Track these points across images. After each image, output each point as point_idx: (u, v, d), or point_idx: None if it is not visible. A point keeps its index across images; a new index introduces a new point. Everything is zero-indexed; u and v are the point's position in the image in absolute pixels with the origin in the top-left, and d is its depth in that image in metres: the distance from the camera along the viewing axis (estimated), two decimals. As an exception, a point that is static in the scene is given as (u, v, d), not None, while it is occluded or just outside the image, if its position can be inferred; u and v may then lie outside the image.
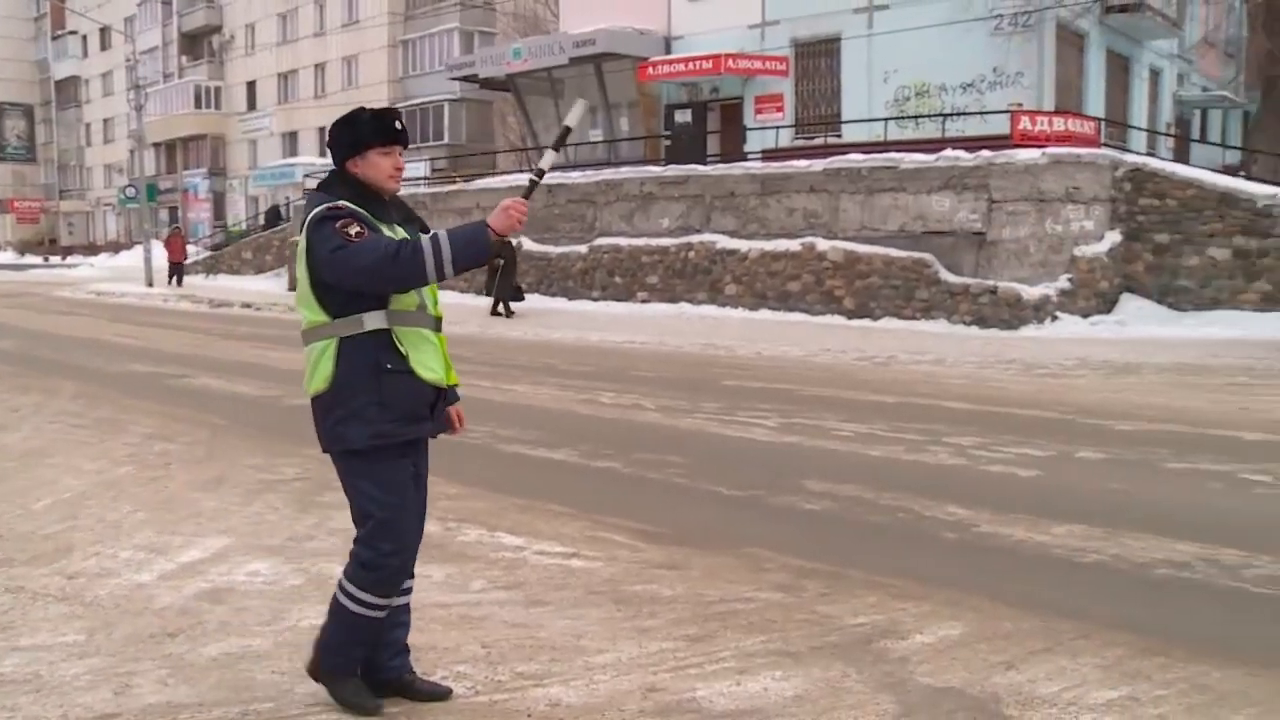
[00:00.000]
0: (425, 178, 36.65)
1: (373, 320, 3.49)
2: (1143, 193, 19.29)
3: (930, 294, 18.88)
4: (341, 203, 3.49)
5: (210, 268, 39.24)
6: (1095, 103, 25.73)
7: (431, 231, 3.56)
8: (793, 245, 20.45)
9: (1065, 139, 20.45)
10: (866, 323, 19.23)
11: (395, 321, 3.52)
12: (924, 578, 5.28)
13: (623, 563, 5.55)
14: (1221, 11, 33.82)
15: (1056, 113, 22.37)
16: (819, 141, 25.75)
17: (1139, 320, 18.18)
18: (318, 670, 3.75)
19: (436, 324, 3.66)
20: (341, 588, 3.65)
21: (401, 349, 3.51)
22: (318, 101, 51.21)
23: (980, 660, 4.23)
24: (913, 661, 4.22)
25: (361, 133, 3.55)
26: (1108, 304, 18.91)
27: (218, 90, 58.66)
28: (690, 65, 27.72)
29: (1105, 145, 21.71)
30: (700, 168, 23.38)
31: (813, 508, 6.77)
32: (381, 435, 3.52)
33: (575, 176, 25.86)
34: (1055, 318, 18.00)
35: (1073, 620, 4.67)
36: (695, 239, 22.19)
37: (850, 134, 25.30)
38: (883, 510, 6.65)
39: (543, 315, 21.80)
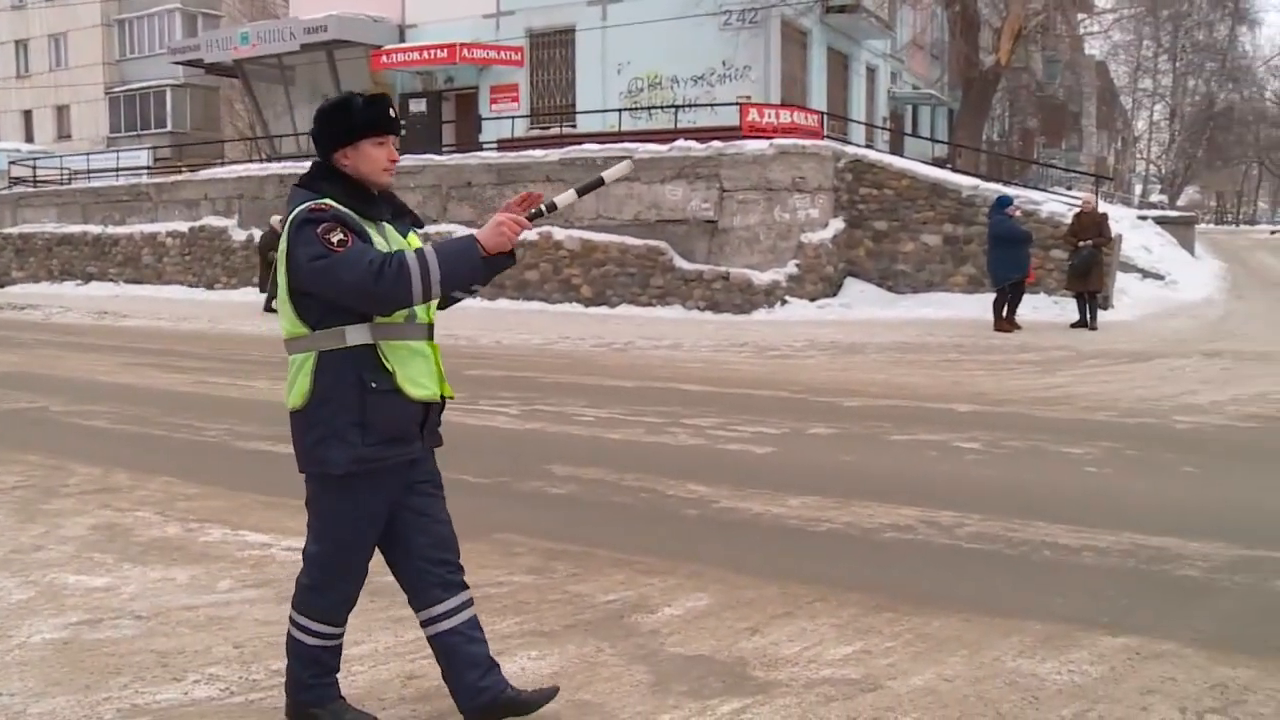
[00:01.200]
0: (147, 167, 34.82)
1: (355, 335, 3.17)
2: (863, 182, 20.38)
3: (665, 281, 19.39)
4: (326, 202, 3.15)
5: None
6: (818, 97, 26.97)
7: (419, 245, 3.23)
8: (530, 234, 20.55)
9: (791, 131, 21.38)
10: (604, 310, 19.58)
11: (380, 335, 3.19)
12: (669, 553, 5.47)
13: (374, 555, 5.50)
14: (927, 17, 36.05)
15: (783, 106, 23.36)
16: (554, 131, 25.97)
17: (862, 303, 19.24)
18: (297, 713, 3.46)
19: (428, 332, 3.33)
20: (291, 620, 3.41)
21: (388, 365, 3.19)
22: (20, 82, 47.70)
23: (727, 628, 4.44)
24: (663, 633, 4.38)
25: (355, 121, 3.21)
26: (833, 288, 19.90)
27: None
28: (425, 54, 27.45)
29: (828, 137, 22.82)
30: (436, 157, 23.21)
31: (559, 492, 6.88)
32: (363, 460, 3.20)
33: (306, 166, 25.15)
34: (785, 302, 18.81)
35: (810, 585, 4.96)
36: (432, 229, 21.91)
37: (585, 124, 25.64)
38: (626, 491, 6.82)
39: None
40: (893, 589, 4.92)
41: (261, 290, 21.31)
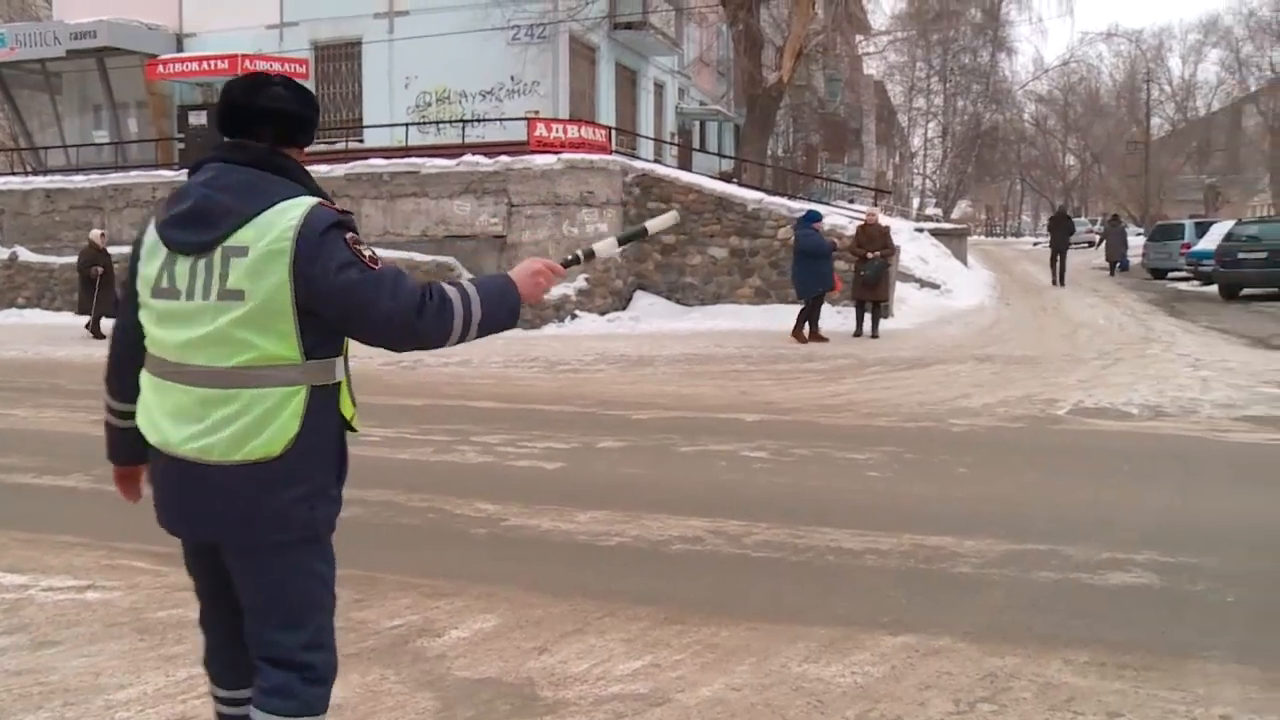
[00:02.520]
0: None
1: (339, 367, 2.69)
2: (650, 197, 20.62)
3: (457, 297, 19.18)
4: (342, 208, 2.64)
5: None
6: (607, 112, 27.19)
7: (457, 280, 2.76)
8: (316, 251, 19.99)
9: (579, 146, 21.47)
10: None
11: (347, 368, 2.75)
12: (457, 575, 5.37)
13: (145, 590, 5.22)
14: (713, 35, 36.87)
15: (571, 121, 23.45)
16: (341, 146, 25.40)
17: (651, 315, 19.46)
18: None
19: None
20: None
21: (354, 403, 2.78)
22: None
23: (515, 648, 4.37)
24: (450, 657, 4.28)
25: (315, 120, 2.77)
26: (623, 301, 20.07)
27: None
28: (204, 65, 26.41)
29: (616, 152, 22.99)
30: (217, 171, 22.31)
31: (342, 515, 6.65)
32: (334, 517, 2.80)
33: (79, 180, 23.88)
34: (575, 316, 18.86)
35: (599, 600, 4.93)
36: (216, 246, 21.13)
37: (372, 139, 25.18)
38: (413, 512, 6.68)
39: (41, 331, 19.97)
40: (682, 601, 4.95)
41: (81, 312, 19.69)
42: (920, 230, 28.97)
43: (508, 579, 5.28)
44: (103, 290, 19.12)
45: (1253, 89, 48.40)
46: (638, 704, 3.81)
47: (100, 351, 14.84)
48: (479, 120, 23.95)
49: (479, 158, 19.53)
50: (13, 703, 3.91)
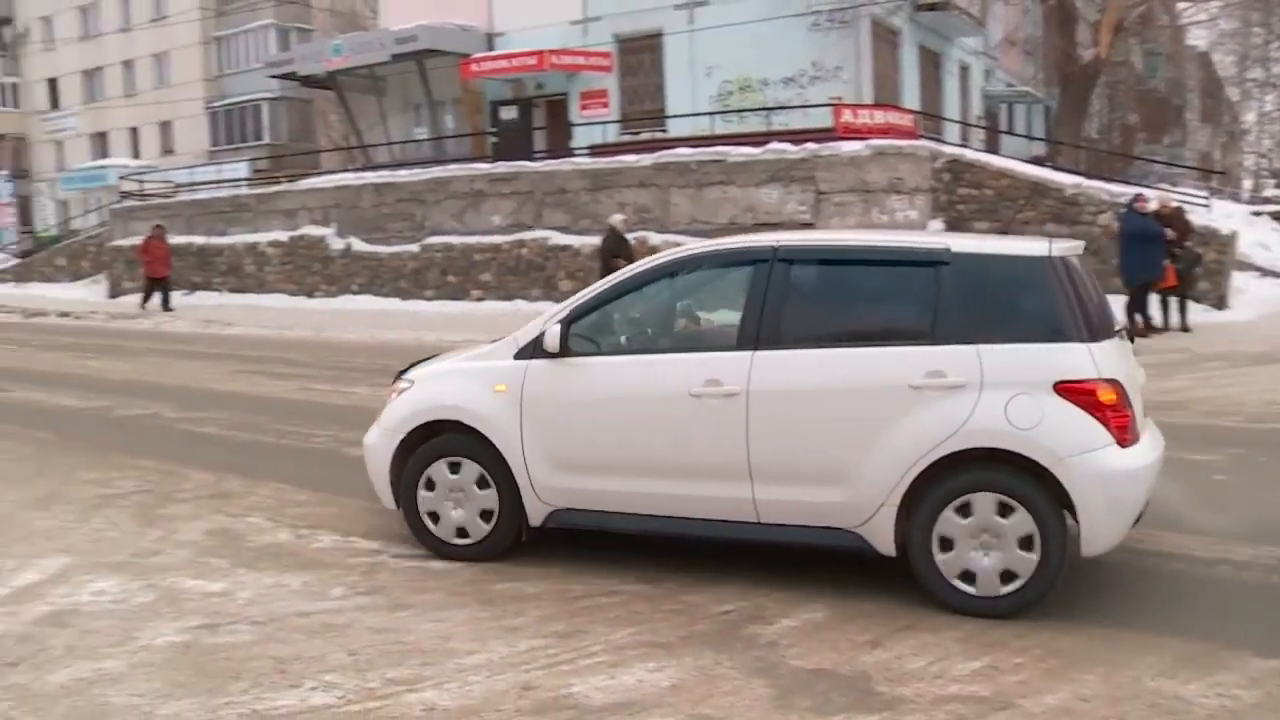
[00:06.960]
0: (246, 179, 35.49)
1: None
2: (961, 182, 19.99)
3: (762, 285, 19.17)
4: None
5: (21, 276, 36.76)
6: (911, 96, 26.57)
7: None
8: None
9: (886, 131, 21.07)
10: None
11: None
12: (784, 565, 5.34)
13: (485, 564, 5.46)
14: (1019, 12, 35.37)
15: (876, 106, 23.04)
16: (645, 136, 25.91)
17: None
18: None
19: None
20: None
21: None
22: (128, 100, 48.94)
23: (847, 641, 4.32)
24: (782, 645, 4.28)
25: None
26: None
27: (14, 87, 55.35)
28: (513, 62, 27.55)
29: (923, 137, 22.43)
30: (529, 164, 23.30)
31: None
32: None
33: (403, 175, 25.43)
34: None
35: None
36: (528, 236, 22.08)
37: (676, 129, 25.51)
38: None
39: (374, 316, 21.35)
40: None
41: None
42: (1258, 214, 26.84)
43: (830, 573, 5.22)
44: None
45: None
46: None
47: (429, 336, 15.29)
48: (782, 108, 23.86)
49: (785, 145, 19.48)
50: (378, 657, 4.20)
